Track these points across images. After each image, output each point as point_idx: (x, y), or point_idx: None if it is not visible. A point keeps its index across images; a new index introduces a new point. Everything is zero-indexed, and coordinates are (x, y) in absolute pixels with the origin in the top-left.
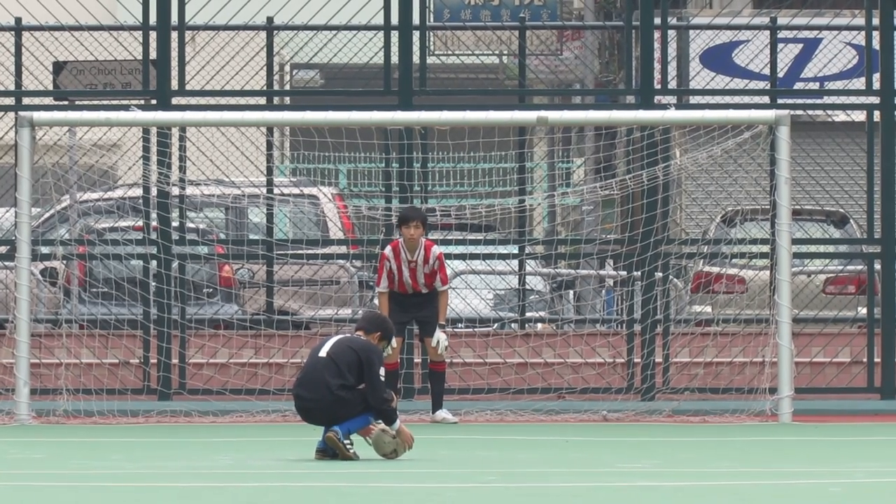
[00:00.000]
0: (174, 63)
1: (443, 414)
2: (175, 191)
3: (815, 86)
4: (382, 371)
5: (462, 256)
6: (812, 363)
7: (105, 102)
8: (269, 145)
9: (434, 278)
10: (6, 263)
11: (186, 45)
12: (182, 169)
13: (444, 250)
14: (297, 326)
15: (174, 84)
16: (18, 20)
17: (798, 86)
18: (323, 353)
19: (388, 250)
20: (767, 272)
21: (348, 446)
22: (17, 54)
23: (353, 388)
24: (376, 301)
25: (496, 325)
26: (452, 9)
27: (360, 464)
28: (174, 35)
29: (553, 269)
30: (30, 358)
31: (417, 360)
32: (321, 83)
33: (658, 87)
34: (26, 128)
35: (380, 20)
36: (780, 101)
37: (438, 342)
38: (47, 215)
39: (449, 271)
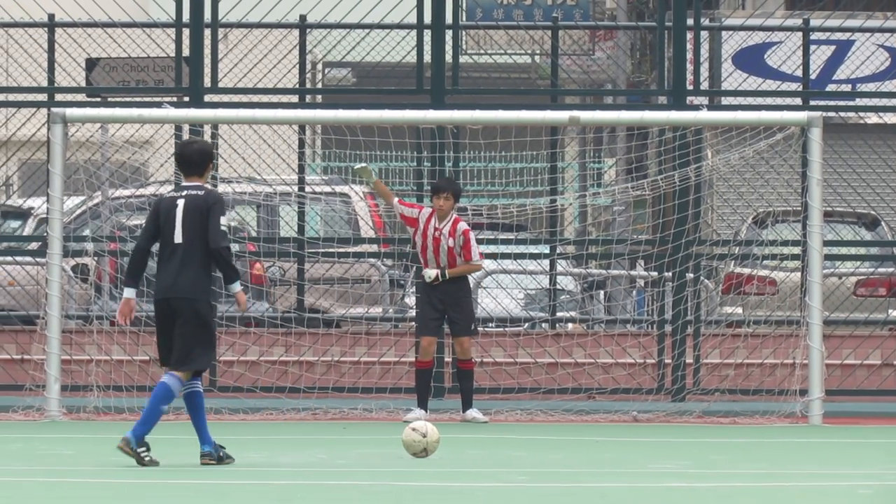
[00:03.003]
0: (207, 60)
1: (473, 413)
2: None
3: (847, 88)
4: (224, 220)
5: (493, 256)
6: (843, 365)
7: (137, 99)
8: (301, 143)
9: (456, 260)
10: (37, 259)
11: (219, 43)
12: (214, 166)
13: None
14: (327, 325)
15: (206, 81)
16: (52, 17)
17: (830, 87)
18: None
19: (427, 209)
20: (798, 274)
21: (143, 454)
22: (50, 51)
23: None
24: (408, 300)
25: (527, 324)
26: (485, 8)
27: (388, 462)
28: (207, 32)
29: (584, 270)
30: (60, 354)
31: (448, 359)
32: (353, 81)
33: (690, 87)
34: (59, 124)
35: (412, 19)
36: (812, 102)
37: (430, 275)
38: (79, 211)
39: (480, 272)
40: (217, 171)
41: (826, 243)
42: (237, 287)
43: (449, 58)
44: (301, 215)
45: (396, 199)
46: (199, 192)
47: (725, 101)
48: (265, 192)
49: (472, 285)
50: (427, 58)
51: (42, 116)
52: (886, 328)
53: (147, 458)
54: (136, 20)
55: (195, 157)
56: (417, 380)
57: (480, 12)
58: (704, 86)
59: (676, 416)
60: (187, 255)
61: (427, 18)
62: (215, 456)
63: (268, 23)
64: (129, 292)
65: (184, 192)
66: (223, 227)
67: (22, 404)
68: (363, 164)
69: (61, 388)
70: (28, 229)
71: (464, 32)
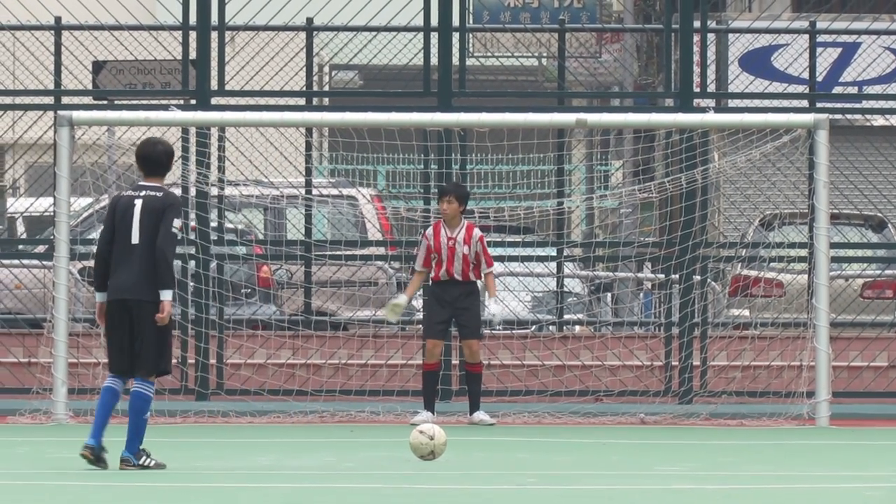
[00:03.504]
0: (214, 63)
1: (480, 415)
2: (214, 191)
3: (853, 90)
4: (178, 223)
5: (500, 258)
6: (849, 367)
7: (144, 102)
8: (308, 146)
9: (470, 267)
10: (44, 263)
11: (226, 46)
12: (221, 169)
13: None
14: (334, 327)
15: (213, 84)
16: (58, 19)
17: (837, 90)
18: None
19: (429, 230)
20: (805, 276)
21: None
22: (57, 53)
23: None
24: (415, 303)
25: (534, 327)
26: (492, 10)
27: (396, 465)
28: (214, 35)
29: (591, 272)
30: (67, 357)
31: (455, 361)
32: (360, 84)
33: (697, 90)
34: (65, 127)
35: (419, 21)
36: (818, 104)
37: (494, 315)
38: (86, 214)
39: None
40: (224, 173)
41: (833, 245)
42: (168, 295)
43: (456, 60)
44: (308, 218)
45: (414, 268)
46: (158, 193)
47: (732, 103)
48: (272, 195)
49: (479, 288)
50: (434, 60)
51: (49, 119)
52: (893, 330)
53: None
54: (143, 23)
55: (162, 158)
56: (424, 382)
57: (487, 15)
58: (711, 88)
59: (683, 418)
60: (145, 256)
61: (434, 21)
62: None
63: (275, 25)
64: (100, 296)
65: (142, 193)
66: (174, 230)
67: (29, 408)
68: (390, 306)
69: (68, 391)
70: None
71: (471, 35)
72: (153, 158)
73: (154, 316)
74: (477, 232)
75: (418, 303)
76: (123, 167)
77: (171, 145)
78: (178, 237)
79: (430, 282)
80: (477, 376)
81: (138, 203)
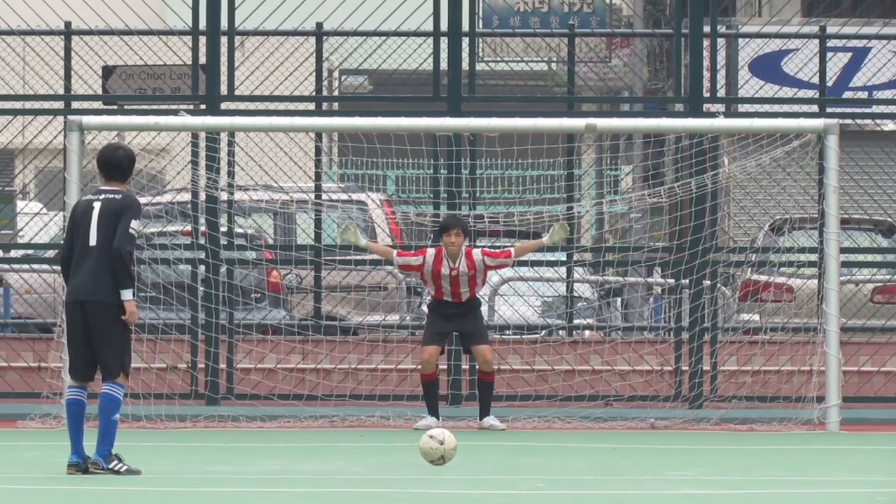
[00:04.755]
0: (223, 68)
1: (490, 420)
2: (223, 196)
3: (863, 95)
4: (136, 224)
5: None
6: (860, 372)
7: (154, 107)
8: (318, 151)
9: (475, 288)
10: (54, 267)
11: (236, 50)
12: (230, 174)
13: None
14: (344, 332)
15: (223, 89)
16: (68, 24)
17: (847, 95)
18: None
19: (430, 251)
20: (815, 281)
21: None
22: (67, 58)
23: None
24: (425, 308)
25: (544, 332)
26: (501, 15)
27: (406, 470)
28: (224, 40)
29: (601, 277)
30: None
31: (465, 366)
32: (370, 89)
33: (707, 95)
34: (75, 132)
35: (429, 26)
36: (828, 109)
37: (557, 230)
38: None
39: (497, 278)
40: (234, 178)
41: (843, 250)
42: (128, 295)
43: (465, 65)
44: (318, 223)
45: (395, 253)
46: (117, 196)
47: (742, 108)
48: (282, 200)
49: (489, 293)
50: (444, 65)
51: (59, 124)
52: None
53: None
54: (153, 28)
55: (124, 164)
56: (425, 391)
57: (497, 19)
58: (721, 93)
59: (694, 423)
60: (102, 257)
61: (444, 26)
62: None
63: (284, 30)
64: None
65: (101, 196)
66: (132, 231)
67: (39, 412)
68: (346, 226)
69: None
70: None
71: (480, 40)
72: (113, 163)
73: (111, 317)
74: (477, 252)
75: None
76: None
77: (133, 151)
78: (136, 238)
79: (432, 300)
80: (489, 385)
81: (97, 206)
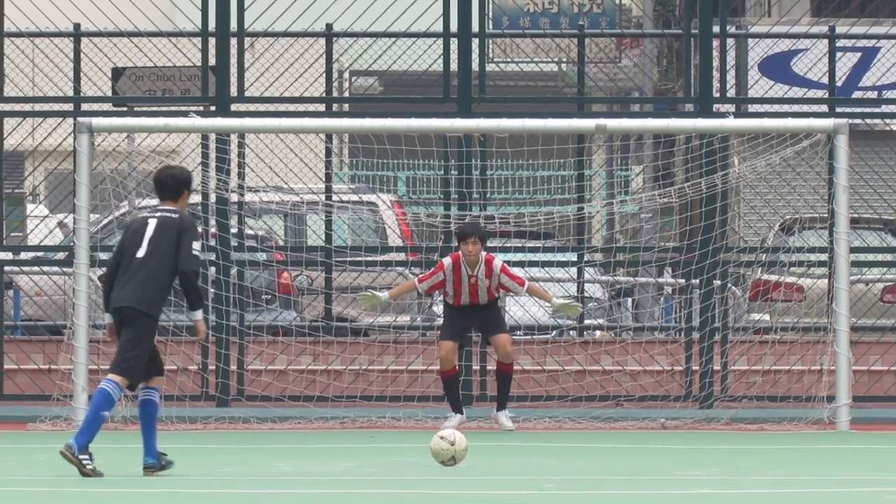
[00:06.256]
0: (233, 69)
1: (503, 418)
2: (234, 197)
3: (873, 94)
4: (196, 245)
5: (521, 264)
6: (870, 371)
7: (163, 108)
8: (328, 152)
9: (496, 291)
10: (65, 269)
11: (245, 52)
12: (241, 175)
13: (503, 257)
14: (355, 333)
15: (233, 90)
16: (77, 26)
17: (856, 94)
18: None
19: (447, 261)
20: (825, 280)
21: (85, 462)
22: (76, 60)
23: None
24: (436, 309)
25: (555, 332)
26: (511, 16)
27: (417, 471)
28: (233, 41)
29: (612, 277)
30: (88, 364)
31: (476, 367)
32: (380, 90)
33: (716, 95)
34: (85, 134)
35: (439, 27)
36: (838, 109)
37: (564, 305)
38: (106, 221)
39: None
40: (244, 179)
41: (853, 250)
42: (199, 315)
43: (475, 66)
44: (328, 224)
45: (416, 280)
46: (173, 215)
47: (752, 108)
48: (292, 202)
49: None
50: (454, 66)
51: (68, 126)
52: None
53: (90, 467)
54: (162, 29)
55: (169, 182)
56: (445, 387)
57: (507, 20)
58: (731, 93)
59: (704, 422)
60: (147, 268)
61: (454, 27)
62: (159, 466)
63: (294, 31)
64: (108, 318)
65: (157, 214)
66: (195, 252)
67: (49, 414)
68: (363, 295)
69: (88, 398)
70: None
71: (490, 41)
72: (161, 181)
73: (142, 325)
74: (497, 263)
75: (439, 308)
76: (143, 174)
77: (186, 171)
78: (200, 258)
79: (449, 304)
80: (508, 376)
81: (152, 222)
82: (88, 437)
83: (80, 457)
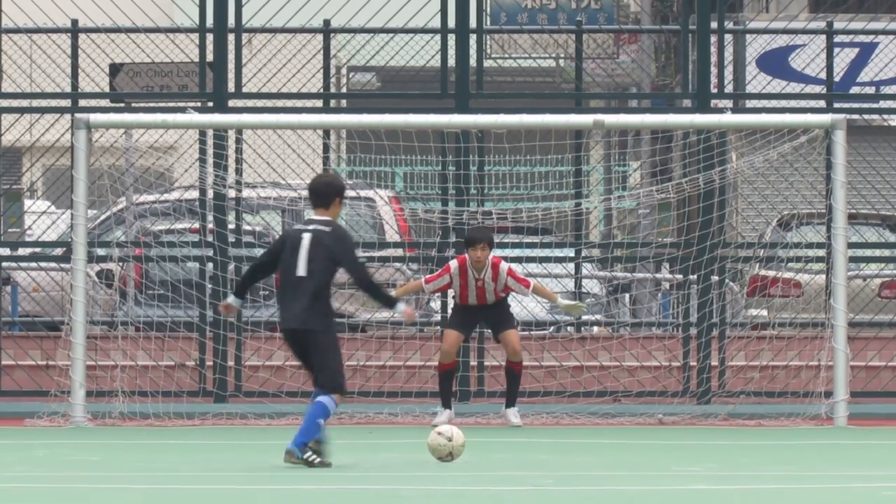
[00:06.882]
0: (231, 65)
1: (510, 415)
2: (231, 193)
3: (871, 90)
4: (358, 251)
5: (518, 259)
6: (868, 367)
7: (161, 104)
8: (326, 148)
9: (503, 292)
10: (62, 265)
11: (243, 48)
12: (238, 171)
13: (499, 253)
14: (353, 329)
15: (231, 86)
16: (75, 22)
17: (854, 90)
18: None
19: (453, 264)
20: (823, 276)
21: (311, 459)
22: (74, 56)
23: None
24: (433, 305)
25: (552, 328)
26: (509, 12)
27: (414, 466)
28: (231, 37)
29: (609, 273)
30: (85, 360)
31: (474, 362)
32: (378, 86)
33: (714, 90)
34: (83, 130)
35: (436, 23)
36: (836, 105)
37: (570, 305)
38: (103, 217)
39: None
40: (241, 175)
41: (850, 245)
42: (400, 307)
43: (473, 62)
44: None
45: (423, 281)
46: (326, 228)
47: (750, 103)
48: (290, 197)
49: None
50: (451, 62)
51: (66, 122)
52: None
53: (317, 461)
54: (160, 25)
55: (321, 189)
56: (440, 381)
57: (504, 16)
58: (729, 89)
59: (702, 418)
60: (311, 287)
61: (451, 23)
62: (300, 458)
63: (292, 27)
64: (232, 299)
65: (310, 227)
66: (360, 260)
67: (47, 410)
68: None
69: (86, 393)
70: None
71: (488, 36)
72: (314, 189)
73: (322, 343)
74: (503, 266)
75: (436, 304)
76: (141, 170)
77: (339, 178)
78: (365, 262)
79: (455, 302)
80: (516, 375)
81: (306, 237)
82: (306, 439)
83: (303, 457)
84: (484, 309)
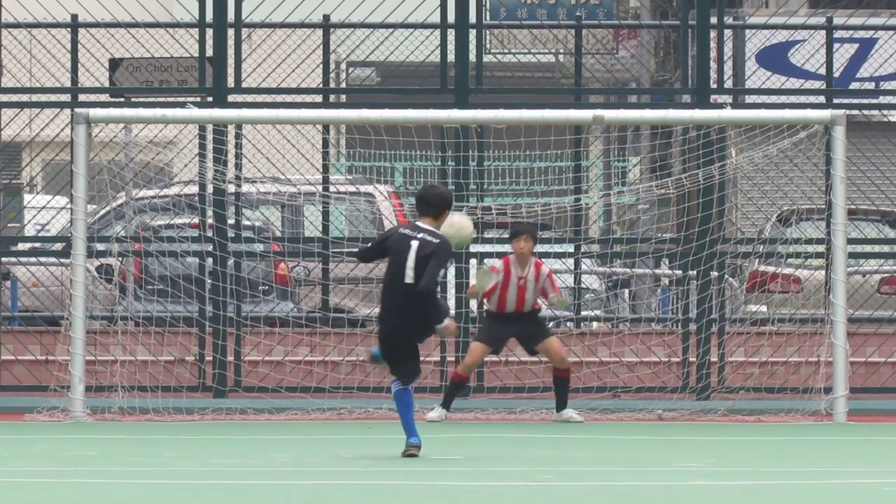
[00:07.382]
0: (230, 60)
1: (569, 413)
2: (231, 188)
3: (870, 86)
4: (442, 272)
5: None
6: (867, 363)
7: (161, 99)
8: (325, 143)
9: (536, 301)
10: (62, 260)
11: (243, 43)
12: (238, 166)
13: (499, 249)
14: (352, 324)
15: (230, 81)
16: (75, 17)
17: (854, 86)
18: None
19: (499, 264)
20: (823, 272)
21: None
22: (74, 51)
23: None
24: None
25: (552, 323)
26: (509, 7)
27: (414, 461)
28: (231, 32)
29: (608, 268)
30: (85, 355)
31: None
32: (377, 81)
33: (714, 86)
34: (82, 124)
35: (436, 18)
36: (835, 100)
37: (559, 300)
38: (103, 212)
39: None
40: (241, 170)
41: (850, 241)
42: (444, 322)
43: (473, 57)
44: (325, 215)
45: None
46: (434, 240)
47: (749, 99)
48: (289, 192)
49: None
50: (451, 57)
51: (66, 117)
52: None
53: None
54: (160, 20)
55: (430, 199)
56: (451, 385)
57: (504, 11)
58: (728, 84)
59: (701, 414)
60: (415, 297)
61: (451, 18)
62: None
63: (291, 22)
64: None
65: (418, 234)
66: (438, 277)
67: (46, 405)
68: (484, 268)
69: (86, 388)
70: None
71: (488, 32)
72: (424, 199)
73: (410, 344)
74: (545, 269)
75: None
76: (140, 165)
77: (450, 193)
78: (440, 279)
79: (491, 313)
80: (564, 380)
81: (414, 245)
82: (414, 429)
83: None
84: (519, 319)
